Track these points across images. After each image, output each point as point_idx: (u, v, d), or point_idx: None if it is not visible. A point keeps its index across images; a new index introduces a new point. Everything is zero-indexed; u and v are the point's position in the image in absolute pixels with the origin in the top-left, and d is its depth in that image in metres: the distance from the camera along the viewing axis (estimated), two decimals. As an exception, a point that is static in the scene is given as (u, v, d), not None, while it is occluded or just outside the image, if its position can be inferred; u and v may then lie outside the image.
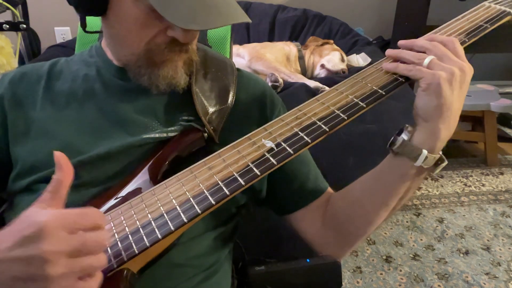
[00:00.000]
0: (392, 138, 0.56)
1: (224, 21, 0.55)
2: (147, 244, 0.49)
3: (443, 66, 0.53)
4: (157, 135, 0.64)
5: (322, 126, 0.53)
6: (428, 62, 0.54)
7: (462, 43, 0.58)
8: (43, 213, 0.41)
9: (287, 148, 0.52)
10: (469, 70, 0.54)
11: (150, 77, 0.62)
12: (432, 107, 0.53)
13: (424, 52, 0.55)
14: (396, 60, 0.58)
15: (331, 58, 1.93)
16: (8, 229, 0.42)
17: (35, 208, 0.44)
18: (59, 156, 0.46)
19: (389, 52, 0.59)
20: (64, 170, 0.46)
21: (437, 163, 0.55)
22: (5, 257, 0.40)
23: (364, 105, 0.54)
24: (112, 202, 0.58)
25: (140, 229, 0.51)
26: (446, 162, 0.55)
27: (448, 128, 0.54)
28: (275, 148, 0.53)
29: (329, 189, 0.73)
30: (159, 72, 0.62)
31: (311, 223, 0.70)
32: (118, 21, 0.60)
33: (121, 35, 0.62)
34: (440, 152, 0.55)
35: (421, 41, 0.57)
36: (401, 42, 0.58)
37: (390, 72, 0.57)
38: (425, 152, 0.53)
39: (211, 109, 0.66)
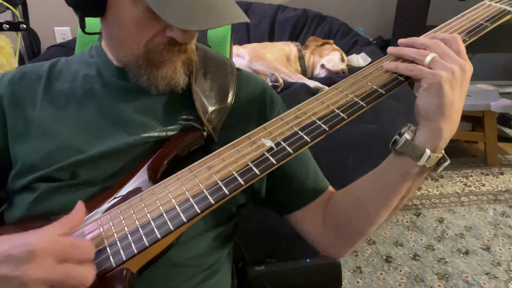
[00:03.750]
0: (394, 138, 0.55)
1: (223, 21, 0.55)
2: (146, 244, 0.49)
3: (444, 65, 0.52)
4: (156, 134, 0.64)
5: (322, 125, 0.53)
6: (430, 59, 0.53)
7: (462, 42, 0.57)
8: (37, 235, 0.42)
9: (287, 147, 0.52)
10: (470, 68, 0.54)
11: (149, 78, 0.62)
12: (433, 107, 0.52)
13: (425, 50, 0.55)
14: (397, 57, 0.58)
15: (331, 58, 1.93)
16: (0, 243, 0.42)
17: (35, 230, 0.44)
18: (80, 206, 0.51)
19: (390, 49, 0.58)
20: (78, 218, 0.50)
21: (440, 162, 0.54)
22: None
23: (364, 104, 0.54)
24: (111, 201, 0.58)
25: (140, 228, 0.50)
26: (448, 161, 0.55)
27: (450, 127, 0.53)
28: (274, 147, 0.52)
29: (330, 188, 0.72)
30: (158, 73, 0.62)
31: (312, 222, 0.70)
32: (117, 22, 0.60)
33: (120, 35, 0.62)
34: (443, 151, 0.55)
35: (421, 39, 0.57)
36: (401, 41, 0.58)
37: (390, 71, 0.57)
38: (428, 151, 0.53)
39: (210, 108, 0.66)
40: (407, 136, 0.54)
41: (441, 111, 0.52)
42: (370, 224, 0.62)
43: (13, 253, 0.40)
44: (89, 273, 0.43)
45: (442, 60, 0.53)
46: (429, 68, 0.53)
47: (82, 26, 0.63)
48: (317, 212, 0.69)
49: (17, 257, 0.40)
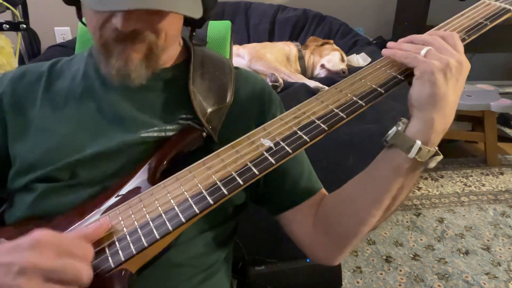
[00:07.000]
0: (388, 132, 0.55)
1: (132, 5, 0.53)
2: (145, 245, 0.49)
3: (439, 56, 0.53)
4: (155, 134, 0.64)
5: (321, 125, 0.53)
6: (425, 52, 0.54)
7: (462, 41, 0.58)
8: (44, 231, 0.44)
9: (286, 147, 0.52)
10: (466, 63, 0.54)
11: (106, 66, 0.62)
12: (425, 96, 0.52)
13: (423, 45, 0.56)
14: None
15: (331, 58, 1.93)
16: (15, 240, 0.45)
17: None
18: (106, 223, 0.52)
19: (389, 44, 0.59)
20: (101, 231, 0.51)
21: (432, 157, 0.54)
22: None
23: (363, 104, 0.54)
24: (110, 201, 0.58)
25: (138, 229, 0.50)
26: (441, 156, 0.54)
27: (443, 119, 0.53)
28: (273, 147, 0.52)
29: (323, 190, 0.71)
30: (110, 62, 0.61)
31: (302, 224, 0.68)
32: (84, 10, 0.63)
33: (87, 24, 0.63)
34: (436, 147, 0.54)
35: (420, 36, 0.57)
36: (401, 40, 0.58)
37: (388, 58, 0.58)
38: (418, 143, 0.52)
39: (209, 109, 0.66)
40: (398, 127, 0.54)
41: (433, 101, 0.52)
42: (361, 224, 0.61)
43: (20, 243, 0.43)
44: (84, 271, 0.44)
45: (438, 53, 0.53)
46: None
47: (79, 15, 0.65)
48: (308, 213, 0.68)
49: (22, 246, 0.43)
